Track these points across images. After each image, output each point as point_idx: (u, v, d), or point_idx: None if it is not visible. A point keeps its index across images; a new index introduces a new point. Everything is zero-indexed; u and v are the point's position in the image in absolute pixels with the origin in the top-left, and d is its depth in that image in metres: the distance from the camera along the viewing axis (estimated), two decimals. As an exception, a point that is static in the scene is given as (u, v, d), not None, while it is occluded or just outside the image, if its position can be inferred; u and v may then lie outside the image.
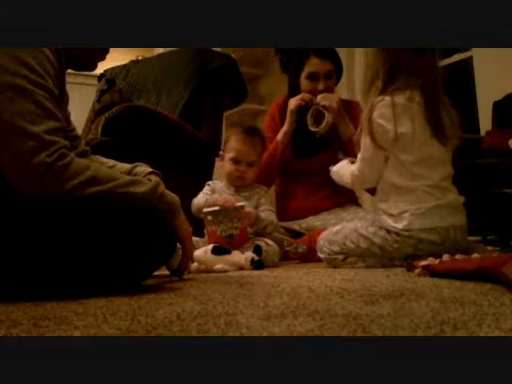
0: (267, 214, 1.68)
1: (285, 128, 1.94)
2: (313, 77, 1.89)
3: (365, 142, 1.27)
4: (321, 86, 1.88)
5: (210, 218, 1.54)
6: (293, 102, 1.90)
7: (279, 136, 1.95)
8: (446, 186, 1.25)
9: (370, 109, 1.23)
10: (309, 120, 1.84)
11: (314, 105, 1.85)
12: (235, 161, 1.68)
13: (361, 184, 1.39)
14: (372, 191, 1.97)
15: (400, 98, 1.21)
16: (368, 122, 1.23)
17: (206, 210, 1.55)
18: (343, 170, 1.44)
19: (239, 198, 1.64)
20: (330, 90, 1.90)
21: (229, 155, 1.70)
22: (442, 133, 1.23)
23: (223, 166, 1.75)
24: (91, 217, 0.89)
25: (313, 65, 1.88)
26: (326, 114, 1.80)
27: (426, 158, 1.23)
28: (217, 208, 1.54)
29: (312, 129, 1.83)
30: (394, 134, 1.20)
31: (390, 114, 1.20)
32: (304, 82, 1.91)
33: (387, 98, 1.21)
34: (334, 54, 1.91)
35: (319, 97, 1.85)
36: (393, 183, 1.25)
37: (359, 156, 1.31)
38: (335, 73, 1.92)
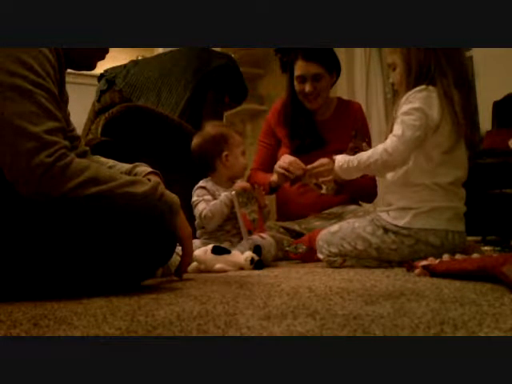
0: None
1: (272, 179, 1.87)
2: (301, 79, 1.90)
3: (406, 118, 1.21)
4: (307, 88, 1.89)
5: (239, 199, 1.58)
6: (279, 167, 1.77)
7: (272, 177, 1.86)
8: (455, 190, 1.24)
9: (411, 95, 1.21)
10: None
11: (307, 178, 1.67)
12: (243, 152, 1.71)
13: (389, 163, 1.25)
14: (366, 198, 1.98)
15: (440, 91, 1.20)
16: (411, 103, 1.20)
17: (233, 192, 1.57)
18: (360, 153, 1.32)
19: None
20: (319, 91, 1.90)
21: (239, 150, 1.69)
22: (471, 132, 1.22)
23: (233, 165, 1.68)
24: (91, 217, 0.89)
25: (299, 68, 1.89)
26: (326, 188, 1.64)
27: (450, 158, 1.21)
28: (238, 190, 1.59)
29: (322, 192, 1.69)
30: (437, 122, 1.19)
31: (435, 102, 1.19)
32: (295, 84, 1.93)
33: (431, 88, 1.20)
34: (322, 56, 1.87)
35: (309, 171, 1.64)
36: (407, 176, 1.24)
37: (397, 132, 1.22)
38: (327, 74, 1.90)
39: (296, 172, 1.69)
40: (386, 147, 1.23)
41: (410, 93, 1.22)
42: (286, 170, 1.72)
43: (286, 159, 1.75)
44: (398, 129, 1.23)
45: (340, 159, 1.37)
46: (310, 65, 1.86)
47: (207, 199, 1.61)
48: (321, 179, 1.54)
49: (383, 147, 1.24)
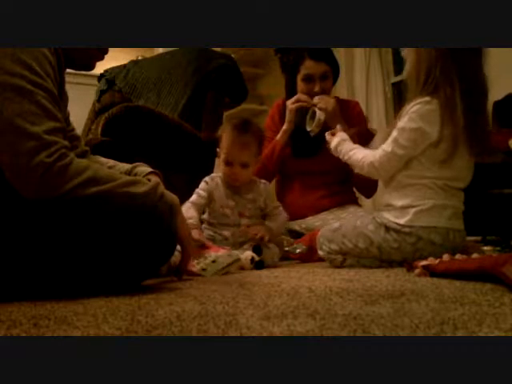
0: (276, 218, 1.66)
1: (284, 127, 1.96)
2: (308, 79, 1.90)
3: (400, 137, 1.22)
4: (317, 88, 1.89)
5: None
6: (291, 103, 1.91)
7: (278, 135, 1.96)
8: (453, 191, 1.24)
9: (413, 108, 1.20)
10: (307, 121, 1.85)
11: (312, 106, 1.86)
12: (227, 162, 1.56)
13: (374, 175, 1.32)
14: (365, 191, 1.99)
15: (442, 102, 1.18)
16: (409, 121, 1.20)
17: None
18: (357, 151, 1.36)
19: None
20: (326, 91, 1.91)
21: (221, 156, 1.59)
22: (476, 143, 1.21)
23: (220, 164, 1.68)
24: (91, 217, 0.89)
25: (308, 67, 1.89)
26: (318, 113, 1.80)
27: (449, 166, 1.21)
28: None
29: (307, 128, 1.85)
30: (436, 138, 1.18)
31: (437, 117, 1.18)
32: (300, 84, 1.93)
33: (435, 101, 1.19)
34: (328, 55, 1.91)
35: (316, 98, 1.86)
36: (405, 179, 1.24)
37: (387, 148, 1.25)
38: (331, 73, 1.92)
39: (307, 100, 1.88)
40: (374, 161, 1.27)
41: (416, 101, 1.21)
42: (298, 101, 1.88)
43: (293, 98, 1.90)
44: (389, 145, 1.25)
45: (335, 142, 1.45)
46: (318, 64, 1.87)
47: (200, 194, 1.58)
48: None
49: (371, 160, 1.28)
